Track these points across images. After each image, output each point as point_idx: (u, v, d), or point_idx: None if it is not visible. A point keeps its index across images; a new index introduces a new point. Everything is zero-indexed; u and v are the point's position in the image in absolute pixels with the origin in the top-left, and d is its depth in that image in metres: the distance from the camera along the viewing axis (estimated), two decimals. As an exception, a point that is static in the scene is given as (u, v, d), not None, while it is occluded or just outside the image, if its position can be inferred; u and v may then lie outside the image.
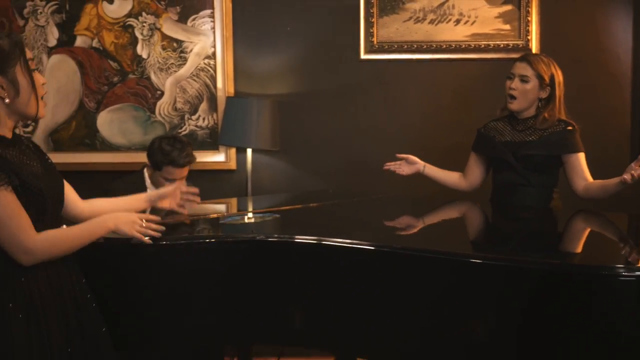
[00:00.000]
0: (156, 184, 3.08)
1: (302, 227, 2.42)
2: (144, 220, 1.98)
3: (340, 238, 2.02)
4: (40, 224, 1.85)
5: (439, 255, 1.90)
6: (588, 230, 2.59)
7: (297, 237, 2.06)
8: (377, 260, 1.98)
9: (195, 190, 2.27)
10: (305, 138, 3.62)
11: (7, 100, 1.81)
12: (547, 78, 2.78)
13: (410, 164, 3.00)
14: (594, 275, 1.73)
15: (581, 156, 2.79)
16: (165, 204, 2.24)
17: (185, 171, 3.04)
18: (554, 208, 2.84)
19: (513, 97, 2.80)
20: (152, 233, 1.99)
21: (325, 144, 3.62)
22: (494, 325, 1.83)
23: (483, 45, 3.57)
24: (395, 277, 1.95)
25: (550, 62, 2.82)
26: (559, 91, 2.80)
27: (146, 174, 3.12)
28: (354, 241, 2.00)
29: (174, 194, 2.26)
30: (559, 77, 2.81)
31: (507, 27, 3.56)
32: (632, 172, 2.42)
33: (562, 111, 2.84)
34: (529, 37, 3.55)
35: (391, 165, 3.00)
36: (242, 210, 3.01)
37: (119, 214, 1.96)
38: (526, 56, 2.86)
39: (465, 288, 1.86)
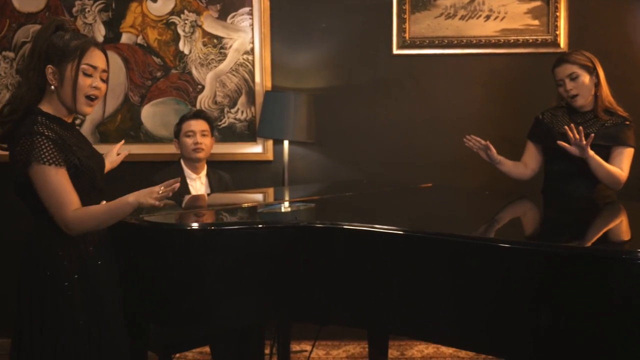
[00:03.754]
0: (190, 157, 3.23)
1: (342, 213, 2.50)
2: (160, 190, 2.03)
3: (380, 224, 2.12)
4: (89, 198, 2.08)
5: (474, 241, 2.00)
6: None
7: (339, 223, 2.16)
8: (411, 245, 2.07)
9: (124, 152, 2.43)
10: (339, 131, 3.64)
11: (52, 87, 2.07)
12: (589, 64, 2.87)
13: (485, 151, 2.96)
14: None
15: (627, 151, 2.85)
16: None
17: (200, 124, 3.22)
18: (609, 197, 2.88)
19: (575, 96, 2.87)
20: (162, 196, 2.01)
21: (359, 137, 3.65)
22: (526, 309, 1.90)
23: (512, 41, 3.60)
24: (426, 261, 2.05)
25: (580, 51, 2.93)
26: (601, 70, 2.89)
27: (183, 164, 3.27)
28: (391, 227, 2.10)
29: (110, 153, 2.41)
30: (594, 59, 2.90)
31: (536, 22, 3.59)
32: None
33: (610, 97, 2.91)
34: (558, 32, 3.58)
35: (473, 140, 2.93)
36: (280, 199, 3.11)
37: (140, 191, 2.05)
38: (562, 58, 2.93)
39: (499, 274, 1.95)
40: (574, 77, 2.88)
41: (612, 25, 3.56)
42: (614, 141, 2.85)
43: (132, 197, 2.02)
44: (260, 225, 2.24)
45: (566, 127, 2.70)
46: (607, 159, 2.87)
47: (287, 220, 2.39)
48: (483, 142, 2.92)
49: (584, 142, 2.69)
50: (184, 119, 3.27)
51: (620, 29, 3.57)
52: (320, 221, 2.21)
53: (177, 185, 2.00)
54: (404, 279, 2.06)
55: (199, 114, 3.28)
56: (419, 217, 2.55)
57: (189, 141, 3.21)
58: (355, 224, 2.14)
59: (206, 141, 3.24)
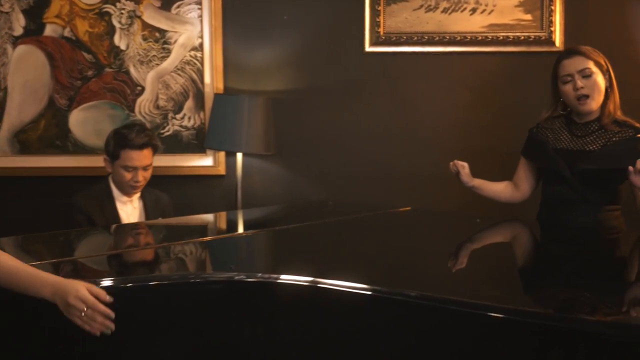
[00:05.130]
0: (122, 188, 2.85)
1: (292, 258, 2.08)
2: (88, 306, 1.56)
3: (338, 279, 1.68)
4: None
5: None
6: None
7: (282, 276, 1.71)
8: (379, 310, 1.64)
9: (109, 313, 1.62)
10: (303, 140, 3.45)
11: None
12: (604, 63, 2.55)
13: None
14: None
15: None
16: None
17: (145, 158, 2.82)
18: (615, 228, 2.55)
19: (586, 97, 2.51)
20: (99, 327, 1.56)
21: (326, 147, 3.44)
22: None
23: (501, 37, 3.37)
24: (405, 328, 1.61)
25: (591, 47, 2.59)
26: (614, 79, 2.57)
27: (112, 184, 2.89)
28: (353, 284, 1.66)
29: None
30: (606, 60, 2.58)
31: (529, 17, 3.37)
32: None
33: (618, 105, 2.58)
34: (552, 29, 3.35)
35: (458, 165, 2.64)
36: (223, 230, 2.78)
37: (67, 286, 1.57)
38: (574, 50, 2.59)
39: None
40: (587, 75, 2.51)
41: (612, 20, 3.36)
42: (633, 161, 2.45)
43: (48, 290, 1.57)
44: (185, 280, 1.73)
45: None
46: (616, 183, 2.53)
47: (219, 270, 1.96)
48: (460, 164, 2.64)
49: None
50: (124, 143, 2.80)
51: (622, 26, 3.37)
52: (253, 274, 1.74)
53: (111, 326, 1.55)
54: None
55: (146, 144, 2.82)
56: (389, 263, 2.10)
57: (126, 175, 2.81)
58: (302, 277, 1.70)
59: (147, 174, 2.86)
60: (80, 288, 1.55)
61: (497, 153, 3.23)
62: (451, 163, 2.63)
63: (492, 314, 1.49)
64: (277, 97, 3.37)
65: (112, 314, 1.54)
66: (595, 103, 2.51)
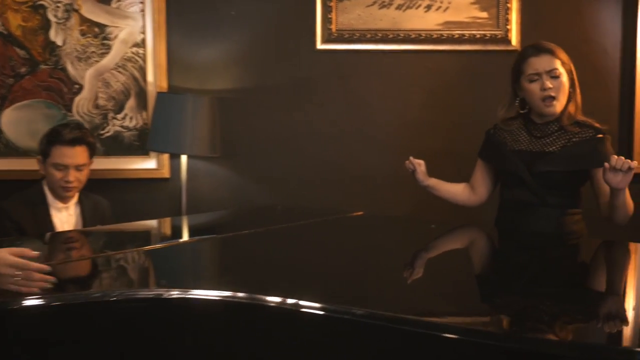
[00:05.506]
0: (55, 191, 2.69)
1: (231, 270, 1.93)
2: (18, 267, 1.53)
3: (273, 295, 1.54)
4: None
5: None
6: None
7: (215, 293, 1.57)
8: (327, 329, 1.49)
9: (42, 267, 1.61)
10: (252, 141, 3.36)
11: None
12: (568, 62, 2.46)
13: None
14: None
15: None
16: None
17: (77, 156, 2.67)
18: (577, 233, 2.46)
19: (552, 98, 2.40)
20: (39, 284, 1.54)
21: (275, 148, 3.36)
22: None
23: (457, 36, 3.31)
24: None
25: (557, 45, 2.49)
26: (576, 79, 2.48)
27: (46, 188, 2.72)
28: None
29: None
30: (569, 59, 2.50)
31: (484, 14, 3.31)
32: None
33: (580, 107, 2.49)
34: (509, 27, 3.31)
35: (414, 163, 2.53)
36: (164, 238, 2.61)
37: None
38: (542, 47, 2.48)
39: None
40: (555, 75, 2.42)
41: (569, 20, 3.35)
42: (594, 163, 2.39)
43: None
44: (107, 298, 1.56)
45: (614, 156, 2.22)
46: (577, 186, 2.47)
47: (147, 285, 1.81)
48: (416, 161, 2.54)
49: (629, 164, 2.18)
50: (55, 138, 2.67)
51: (578, 24, 3.36)
52: (185, 291, 1.58)
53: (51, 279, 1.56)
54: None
55: (78, 139, 2.68)
56: (337, 275, 1.95)
57: (56, 174, 2.66)
58: (238, 294, 1.55)
59: (81, 176, 2.70)
60: (5, 256, 1.53)
61: (453, 154, 3.18)
62: (407, 161, 2.54)
63: (447, 335, 1.37)
64: (224, 96, 3.28)
65: (47, 268, 1.56)
66: (560, 105, 2.43)
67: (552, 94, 2.39)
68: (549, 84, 2.38)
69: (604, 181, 2.23)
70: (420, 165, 2.54)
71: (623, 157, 2.18)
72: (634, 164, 2.18)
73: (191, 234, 2.63)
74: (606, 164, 2.18)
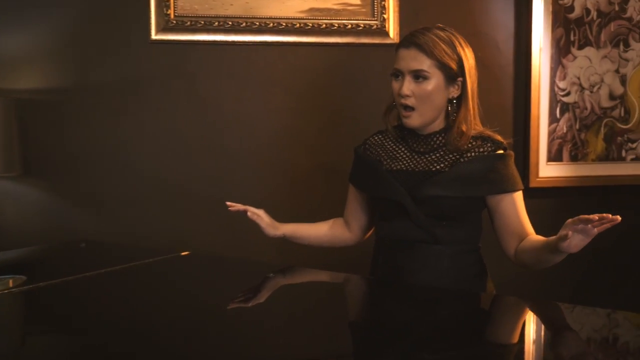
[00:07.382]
0: None
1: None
2: None
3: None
4: None
5: None
6: None
7: None
8: None
9: None
10: (66, 154, 2.98)
11: None
12: (454, 65, 1.94)
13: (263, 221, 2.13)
14: None
15: (517, 197, 1.95)
16: None
17: None
18: (478, 277, 2.00)
19: (409, 108, 1.94)
20: None
21: (97, 162, 3.01)
22: None
23: (324, 25, 3.04)
24: None
25: (452, 38, 1.97)
26: (472, 82, 1.97)
27: None
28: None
29: None
30: (469, 59, 1.98)
31: (357, 1, 3.06)
32: (574, 227, 1.66)
33: (477, 117, 2.00)
34: (385, 16, 3.06)
35: (252, 216, 2.10)
36: None
37: None
38: (414, 39, 1.98)
39: None
40: (419, 77, 1.94)
41: (455, 10, 3.13)
42: (491, 188, 1.93)
43: None
44: None
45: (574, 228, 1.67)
46: (475, 214, 1.99)
47: None
48: (241, 207, 2.09)
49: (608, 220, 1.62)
50: None
51: (466, 15, 3.14)
52: None
53: None
54: None
55: None
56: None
57: None
58: None
59: None
60: None
61: (324, 170, 2.95)
62: (242, 210, 2.09)
63: None
64: (29, 97, 2.92)
65: None
66: (420, 119, 1.94)
67: (407, 102, 1.92)
68: (406, 89, 1.91)
69: (560, 238, 1.70)
70: (259, 217, 2.08)
71: (610, 215, 1.63)
72: (618, 218, 1.64)
73: None
74: (595, 216, 1.64)
